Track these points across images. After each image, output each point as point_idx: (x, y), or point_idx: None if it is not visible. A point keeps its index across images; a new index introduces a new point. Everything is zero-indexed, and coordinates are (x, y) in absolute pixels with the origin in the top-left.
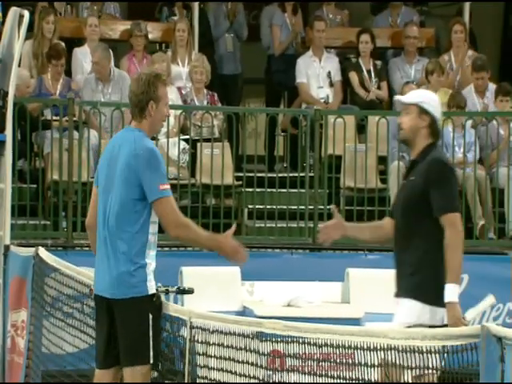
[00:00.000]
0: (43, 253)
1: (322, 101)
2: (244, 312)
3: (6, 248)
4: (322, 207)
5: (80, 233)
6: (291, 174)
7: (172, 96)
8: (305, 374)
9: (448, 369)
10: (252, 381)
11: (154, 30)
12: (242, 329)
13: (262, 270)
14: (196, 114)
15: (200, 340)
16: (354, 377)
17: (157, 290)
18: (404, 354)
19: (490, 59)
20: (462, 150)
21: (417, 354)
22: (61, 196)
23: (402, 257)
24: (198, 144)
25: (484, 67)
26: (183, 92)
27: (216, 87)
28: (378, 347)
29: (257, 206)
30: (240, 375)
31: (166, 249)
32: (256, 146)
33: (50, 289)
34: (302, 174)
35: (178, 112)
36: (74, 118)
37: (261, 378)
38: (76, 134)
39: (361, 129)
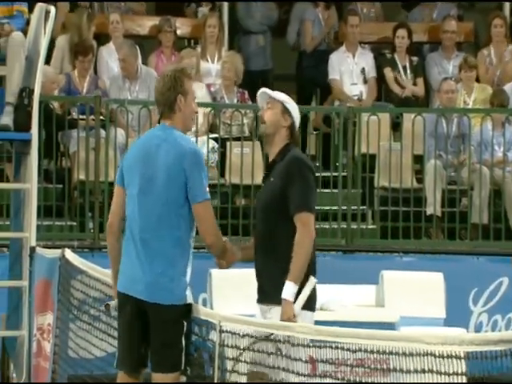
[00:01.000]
0: (69, 254)
1: (356, 98)
2: None
3: (32, 250)
4: (356, 208)
5: None
6: (323, 174)
7: (201, 93)
8: (338, 379)
9: (487, 375)
10: None
11: (182, 26)
12: (275, 333)
13: None
14: (226, 112)
15: (230, 344)
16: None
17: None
18: (441, 359)
19: None
20: (501, 149)
21: (454, 360)
22: (87, 196)
23: (265, 262)
24: (228, 143)
25: None
26: (212, 89)
27: (245, 84)
28: (414, 353)
29: None
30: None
31: (195, 250)
32: None
33: (76, 291)
34: (334, 174)
35: (207, 110)
36: (101, 117)
37: None
38: (103, 133)
39: (396, 127)
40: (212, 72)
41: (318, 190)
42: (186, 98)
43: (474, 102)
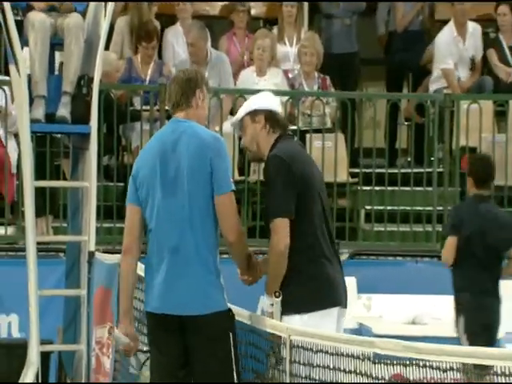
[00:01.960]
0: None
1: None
2: (360, 330)
3: (91, 255)
4: None
5: None
6: (416, 170)
7: (278, 80)
8: None
9: None
10: None
11: (257, 5)
12: (352, 349)
13: (381, 281)
14: (305, 101)
15: (302, 361)
16: None
17: None
18: None
19: None
20: None
21: None
22: None
23: None
24: (308, 135)
25: None
26: (290, 75)
27: (327, 69)
28: None
29: (375, 207)
30: None
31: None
32: (375, 137)
33: (137, 301)
34: (428, 170)
35: (285, 99)
36: (166, 107)
37: None
38: None
39: (500, 116)
40: (290, 56)
41: (409, 189)
42: (204, 98)
43: None
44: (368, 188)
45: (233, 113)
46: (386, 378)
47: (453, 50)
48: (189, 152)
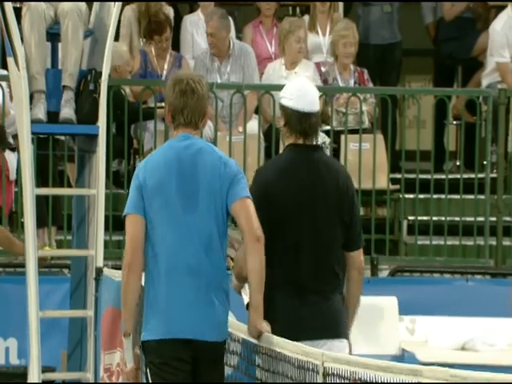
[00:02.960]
0: (143, 277)
1: None
2: (403, 356)
3: (98, 271)
4: (509, 219)
5: None
6: (466, 176)
7: (309, 74)
8: None
9: None
10: None
11: None
12: (394, 378)
13: (426, 302)
14: (339, 98)
15: None
16: None
17: None
18: None
19: None
20: None
21: None
22: None
23: None
24: (342, 136)
25: None
26: (323, 69)
27: (364, 61)
28: None
29: (419, 218)
30: None
31: None
32: (419, 138)
33: None
34: (480, 176)
35: None
36: None
37: None
38: None
39: None
40: (322, 47)
41: (458, 197)
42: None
43: None
44: (411, 196)
45: (257, 111)
46: None
47: (510, 40)
48: (205, 169)
